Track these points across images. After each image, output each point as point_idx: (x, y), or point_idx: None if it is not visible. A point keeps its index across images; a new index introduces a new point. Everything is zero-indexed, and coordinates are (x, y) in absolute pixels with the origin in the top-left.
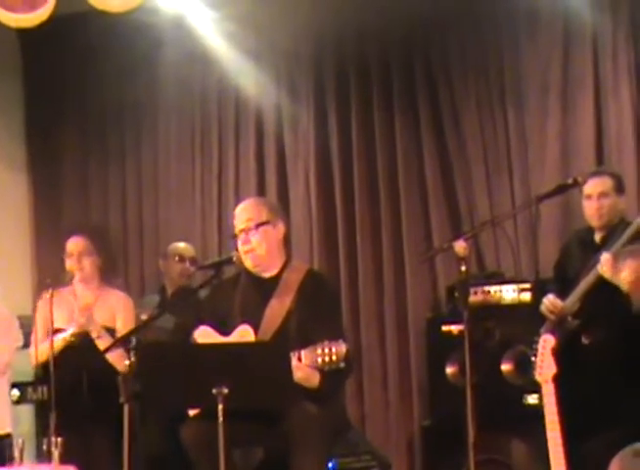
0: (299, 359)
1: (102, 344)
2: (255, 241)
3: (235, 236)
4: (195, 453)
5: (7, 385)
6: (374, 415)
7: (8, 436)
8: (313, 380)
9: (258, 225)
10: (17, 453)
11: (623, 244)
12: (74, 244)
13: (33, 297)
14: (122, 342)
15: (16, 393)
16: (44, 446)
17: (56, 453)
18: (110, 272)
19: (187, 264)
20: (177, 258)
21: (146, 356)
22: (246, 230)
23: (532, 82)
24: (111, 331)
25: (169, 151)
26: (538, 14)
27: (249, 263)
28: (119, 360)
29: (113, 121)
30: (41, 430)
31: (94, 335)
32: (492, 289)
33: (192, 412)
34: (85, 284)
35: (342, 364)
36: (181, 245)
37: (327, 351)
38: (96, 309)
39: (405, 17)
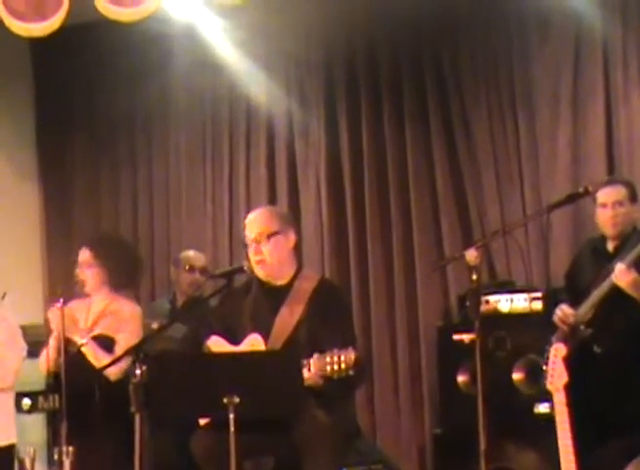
0: (309, 369)
1: (89, 352)
2: (267, 252)
3: (246, 245)
4: (205, 464)
5: (12, 396)
6: (385, 423)
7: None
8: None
9: (270, 236)
10: (28, 463)
11: (638, 255)
12: (80, 255)
13: (44, 306)
14: (133, 352)
15: (27, 402)
16: (55, 456)
17: (67, 462)
18: (119, 282)
19: (197, 275)
20: (187, 268)
21: (156, 366)
22: (257, 241)
23: (543, 91)
24: (111, 341)
25: (180, 159)
26: (549, 22)
27: (260, 274)
28: (113, 374)
29: (123, 130)
30: (52, 439)
31: (78, 342)
32: (503, 298)
33: (202, 421)
34: (94, 293)
35: (352, 372)
36: (192, 254)
37: (336, 359)
38: (103, 319)
39: (415, 24)
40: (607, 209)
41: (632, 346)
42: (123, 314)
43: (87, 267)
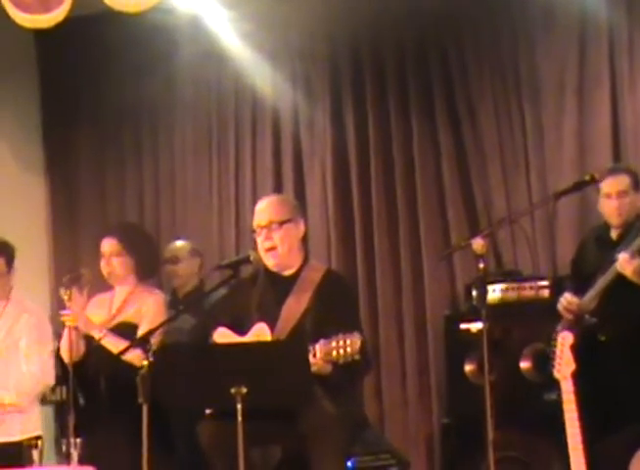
0: (314, 355)
1: (109, 344)
2: (278, 238)
3: (255, 232)
4: (212, 453)
5: None
6: (392, 414)
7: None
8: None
9: (282, 224)
10: (36, 455)
11: None
12: (105, 245)
13: (51, 298)
14: (141, 342)
15: None
16: (63, 448)
17: (75, 454)
18: (144, 271)
19: (170, 265)
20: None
21: (164, 357)
22: (268, 227)
23: (549, 80)
24: (135, 328)
25: (186, 151)
26: (554, 11)
27: (269, 262)
28: (136, 359)
29: (129, 122)
30: (60, 431)
31: (96, 337)
32: (510, 286)
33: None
34: (119, 284)
35: (357, 356)
36: (178, 244)
37: (341, 343)
38: (126, 307)
39: (420, 15)
40: (611, 199)
41: (637, 333)
42: (147, 301)
43: (116, 256)
